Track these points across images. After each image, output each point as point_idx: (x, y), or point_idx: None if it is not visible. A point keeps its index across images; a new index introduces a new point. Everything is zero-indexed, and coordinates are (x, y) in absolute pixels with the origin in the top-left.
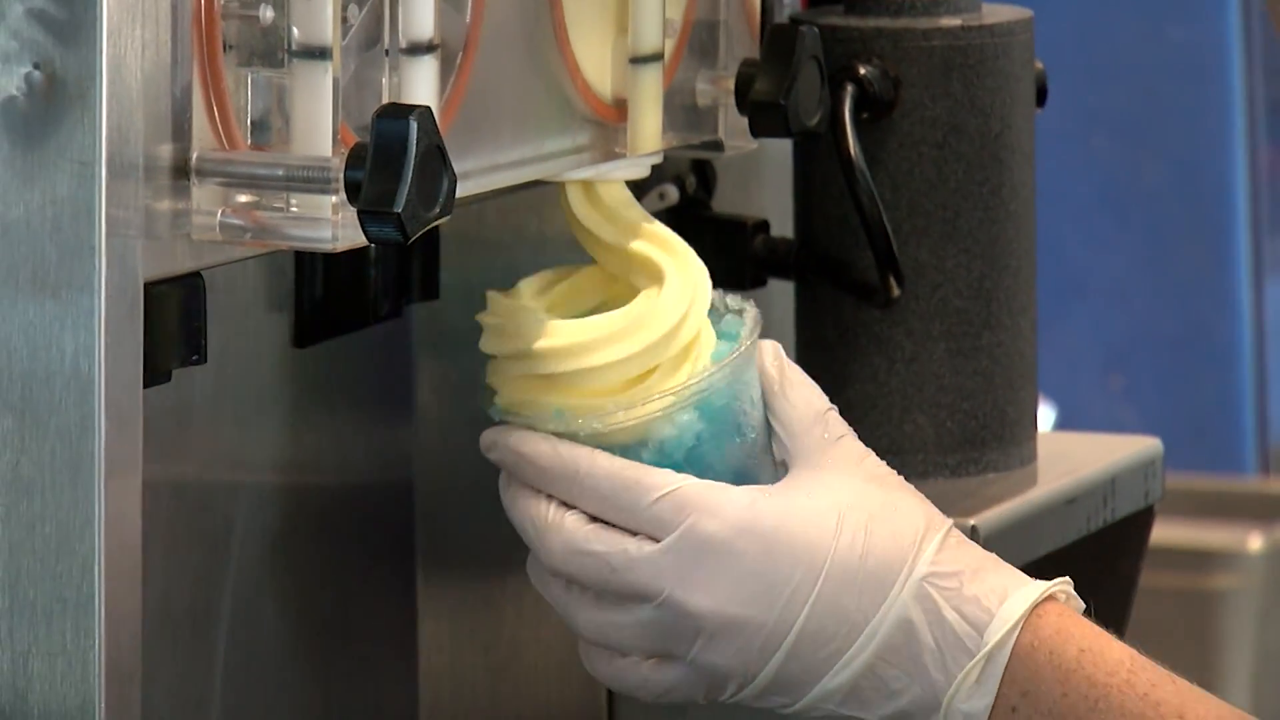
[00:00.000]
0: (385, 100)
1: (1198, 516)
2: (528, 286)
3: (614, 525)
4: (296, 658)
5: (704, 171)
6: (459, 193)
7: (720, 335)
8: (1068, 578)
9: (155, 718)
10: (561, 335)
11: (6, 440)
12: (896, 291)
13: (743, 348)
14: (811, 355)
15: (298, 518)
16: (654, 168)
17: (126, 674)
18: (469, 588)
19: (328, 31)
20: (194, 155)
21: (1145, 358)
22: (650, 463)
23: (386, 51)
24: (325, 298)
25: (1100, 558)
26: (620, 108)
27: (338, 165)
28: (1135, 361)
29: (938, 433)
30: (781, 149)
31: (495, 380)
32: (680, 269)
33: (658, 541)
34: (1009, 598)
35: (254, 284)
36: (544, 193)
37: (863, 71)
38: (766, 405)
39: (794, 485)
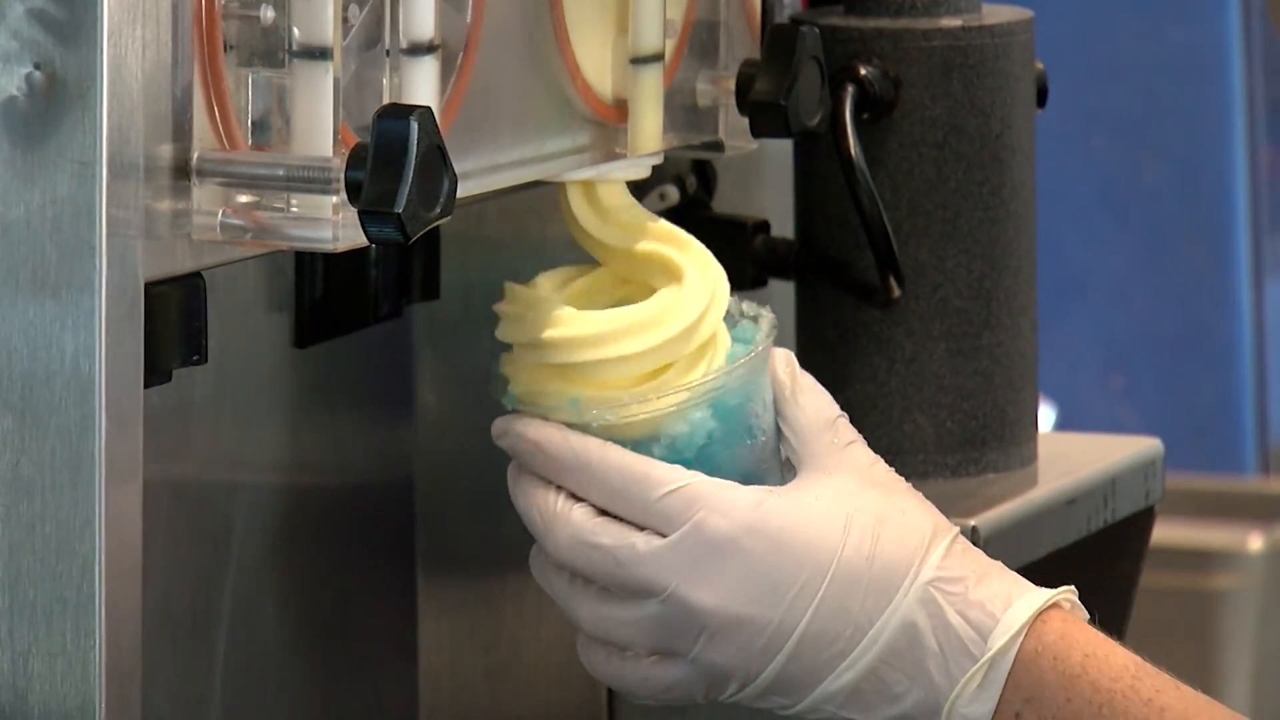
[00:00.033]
0: (386, 100)
1: (1198, 516)
2: (546, 280)
3: (622, 520)
4: (296, 658)
5: (704, 172)
6: (459, 193)
7: (735, 340)
8: (1072, 586)
9: (155, 718)
10: (582, 325)
11: (6, 440)
12: (897, 292)
13: (759, 349)
14: (811, 355)
15: (298, 518)
16: (654, 168)
17: (126, 674)
18: (469, 588)
19: (328, 31)
20: (194, 155)
21: (1145, 358)
22: (661, 458)
23: (387, 52)
24: (325, 298)
25: (1101, 558)
26: (621, 108)
27: (338, 165)
28: (1135, 361)
29: (938, 433)
30: (782, 149)
31: (510, 370)
32: (700, 268)
33: (665, 537)
34: (1014, 604)
35: (254, 284)
36: (544, 193)
37: (863, 72)
38: (777, 410)
39: (802, 487)
